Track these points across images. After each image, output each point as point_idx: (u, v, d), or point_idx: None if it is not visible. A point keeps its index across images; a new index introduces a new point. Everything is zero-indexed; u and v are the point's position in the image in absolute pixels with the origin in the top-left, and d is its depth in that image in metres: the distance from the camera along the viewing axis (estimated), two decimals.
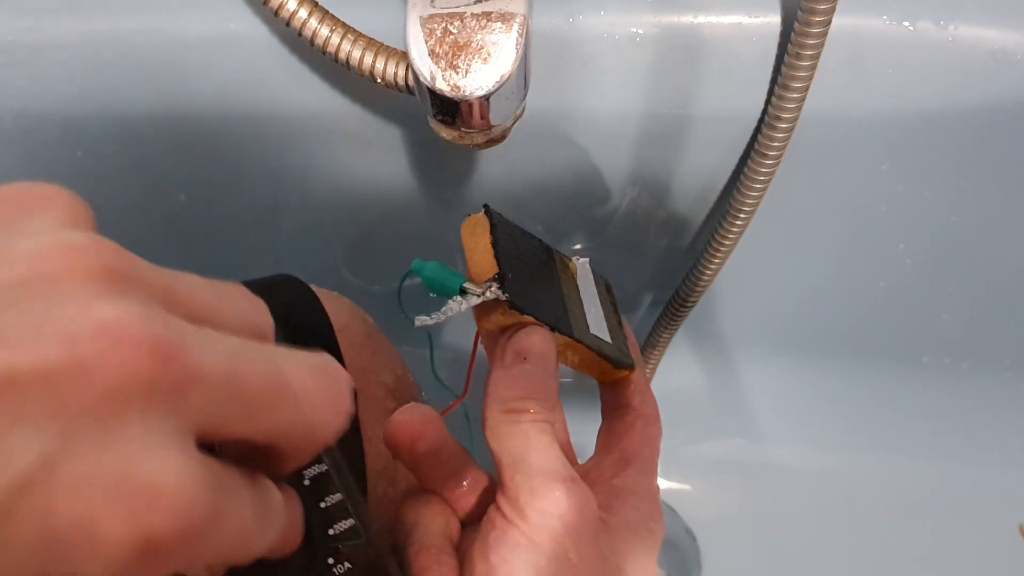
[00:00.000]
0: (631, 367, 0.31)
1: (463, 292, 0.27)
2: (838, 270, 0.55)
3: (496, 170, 0.48)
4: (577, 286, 0.32)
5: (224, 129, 0.46)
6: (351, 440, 0.33)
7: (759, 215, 0.45)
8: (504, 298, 0.26)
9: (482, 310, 0.27)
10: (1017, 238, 0.51)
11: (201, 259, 0.56)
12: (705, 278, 0.50)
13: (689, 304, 0.53)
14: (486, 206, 0.29)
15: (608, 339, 0.31)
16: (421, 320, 0.27)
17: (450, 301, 0.27)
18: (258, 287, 0.28)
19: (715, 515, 0.66)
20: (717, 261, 0.48)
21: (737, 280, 0.54)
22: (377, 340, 0.38)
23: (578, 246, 0.54)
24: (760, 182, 0.43)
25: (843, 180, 0.48)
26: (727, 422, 0.68)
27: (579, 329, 0.29)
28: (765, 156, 0.42)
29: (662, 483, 0.68)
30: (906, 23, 0.40)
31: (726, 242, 0.47)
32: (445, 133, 0.34)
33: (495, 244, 0.27)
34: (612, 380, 0.32)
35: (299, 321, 0.35)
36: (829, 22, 0.36)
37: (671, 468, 0.68)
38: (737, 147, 0.45)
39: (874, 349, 0.62)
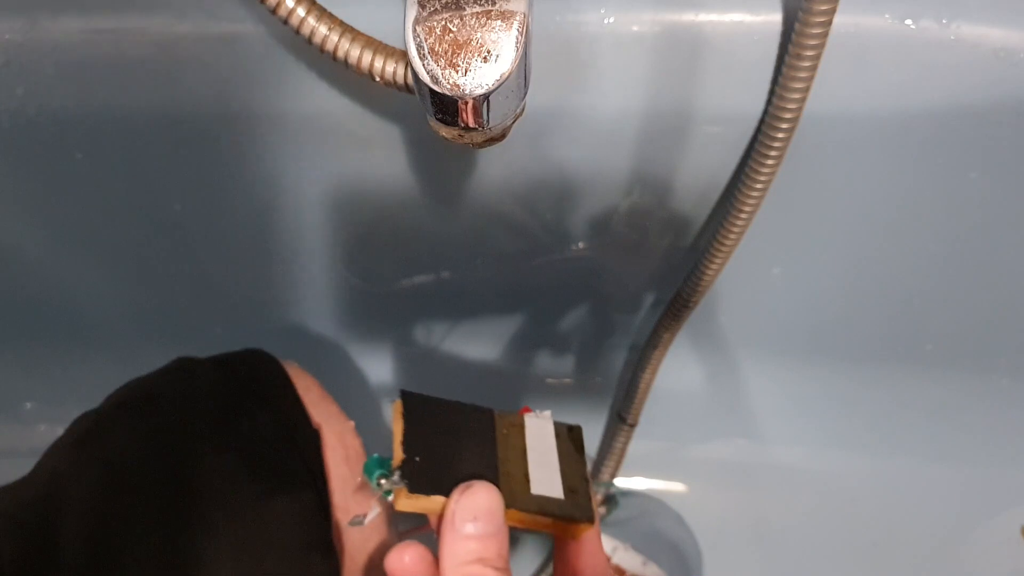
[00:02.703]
0: (584, 520, 0.32)
1: (379, 484, 0.29)
2: (840, 270, 0.55)
3: (496, 169, 0.48)
4: (525, 444, 0.33)
5: (222, 128, 0.46)
6: (316, 476, 0.39)
7: (760, 215, 0.45)
8: (402, 484, 0.29)
9: (397, 495, 0.29)
10: (1019, 238, 0.51)
11: (200, 259, 0.56)
12: (707, 278, 0.50)
13: (690, 304, 0.53)
14: (402, 392, 0.32)
15: (558, 495, 0.32)
16: (355, 521, 0.31)
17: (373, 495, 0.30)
18: (233, 359, 0.41)
19: (717, 516, 0.66)
20: (718, 261, 0.48)
21: (738, 280, 0.54)
22: (328, 399, 0.44)
23: (579, 245, 0.54)
24: (761, 181, 0.43)
25: (845, 179, 0.48)
26: (728, 422, 0.67)
27: (512, 492, 0.30)
28: (766, 155, 0.41)
29: (665, 484, 0.69)
30: (908, 21, 0.40)
31: (727, 242, 0.46)
32: (444, 132, 0.34)
33: (404, 431, 0.30)
34: (570, 535, 0.32)
35: (271, 385, 0.42)
36: (831, 20, 0.36)
37: (673, 468, 0.68)
38: (738, 146, 0.45)
39: (875, 349, 0.62)
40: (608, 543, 0.60)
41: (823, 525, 0.66)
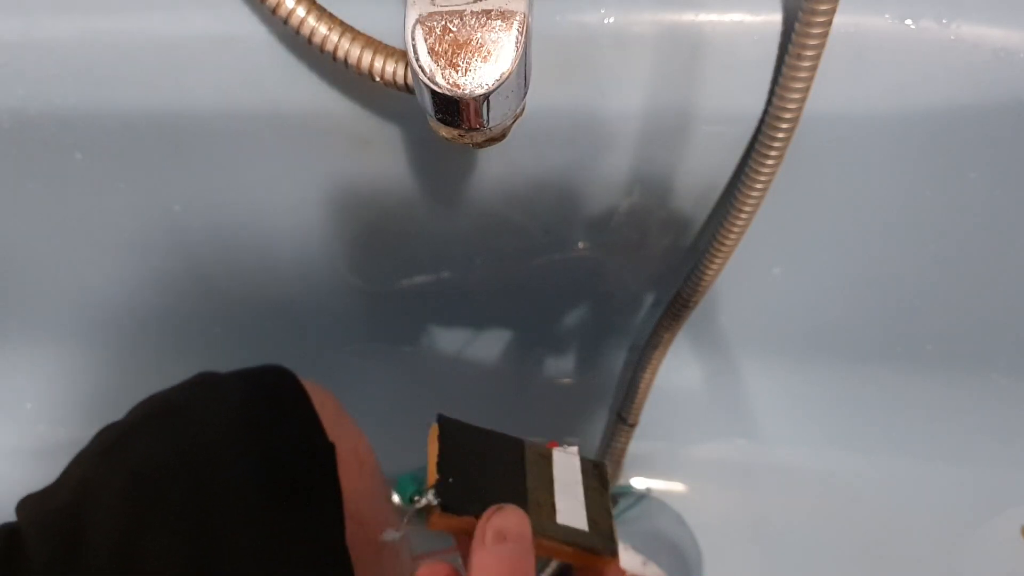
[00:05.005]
0: (608, 553, 0.32)
1: (412, 501, 0.29)
2: (840, 270, 0.55)
3: (496, 169, 0.48)
4: (552, 476, 0.34)
5: (222, 128, 0.46)
6: (331, 488, 0.40)
7: (760, 215, 0.45)
8: (436, 503, 0.29)
9: (430, 513, 0.30)
10: (1018, 238, 0.51)
11: (199, 259, 0.56)
12: (707, 278, 0.50)
13: (691, 304, 0.53)
14: (439, 416, 0.33)
15: (583, 526, 0.32)
16: (390, 536, 0.32)
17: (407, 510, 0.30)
18: (252, 374, 0.41)
19: (717, 516, 0.66)
20: (718, 261, 0.48)
21: (738, 280, 0.54)
22: (343, 415, 0.45)
23: (579, 245, 0.54)
24: (761, 181, 0.43)
25: (845, 179, 0.48)
26: (728, 422, 0.67)
27: (540, 520, 0.31)
28: (767, 155, 0.41)
29: (665, 484, 0.69)
30: (908, 21, 0.40)
31: (727, 242, 0.46)
32: (444, 132, 0.34)
33: (440, 453, 0.31)
34: (591, 565, 0.33)
35: (289, 400, 0.42)
36: (831, 20, 0.36)
37: (673, 468, 0.68)
38: (738, 146, 0.45)
39: (875, 349, 0.62)
40: None
41: (823, 525, 0.66)
